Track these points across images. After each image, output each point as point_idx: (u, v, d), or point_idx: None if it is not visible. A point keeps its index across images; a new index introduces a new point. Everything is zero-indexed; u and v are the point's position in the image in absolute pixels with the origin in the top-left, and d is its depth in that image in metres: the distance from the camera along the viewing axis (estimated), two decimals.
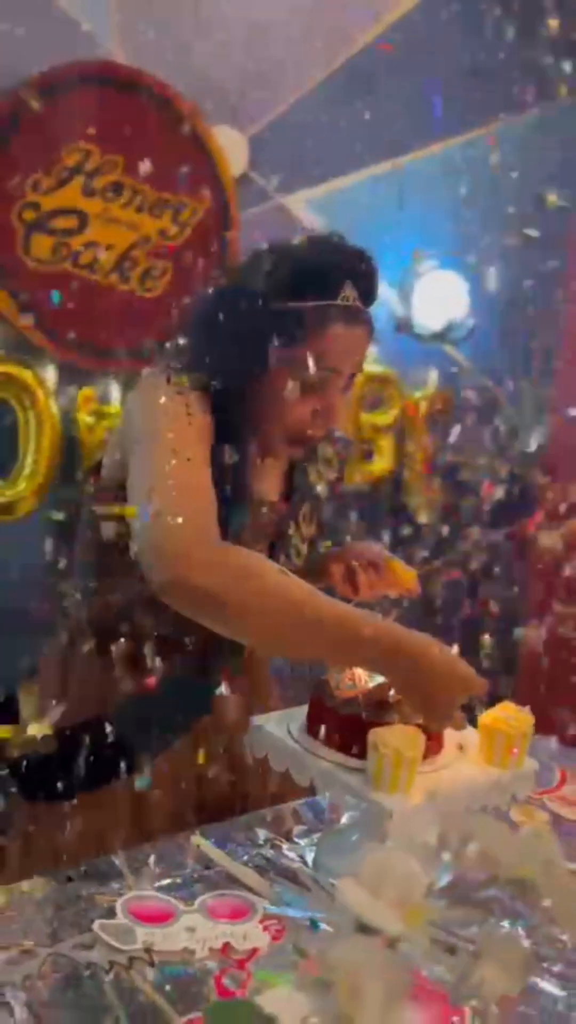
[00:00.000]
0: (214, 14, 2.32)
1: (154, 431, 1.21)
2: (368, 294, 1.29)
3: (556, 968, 1.02)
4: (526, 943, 0.67)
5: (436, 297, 2.64)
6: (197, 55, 2.30)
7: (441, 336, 2.67)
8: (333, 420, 1.30)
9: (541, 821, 1.38)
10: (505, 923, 1.04)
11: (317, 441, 1.36)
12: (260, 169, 2.45)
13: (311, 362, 1.24)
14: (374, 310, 2.63)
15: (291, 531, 1.44)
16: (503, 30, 2.73)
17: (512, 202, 2.85)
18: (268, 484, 1.43)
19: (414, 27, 2.59)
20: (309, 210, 2.53)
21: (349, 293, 1.25)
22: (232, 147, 2.37)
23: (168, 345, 1.39)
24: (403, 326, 2.66)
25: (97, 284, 2.21)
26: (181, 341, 1.34)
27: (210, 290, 1.32)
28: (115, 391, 2.29)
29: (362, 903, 0.63)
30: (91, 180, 2.16)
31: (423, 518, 2.79)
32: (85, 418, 2.24)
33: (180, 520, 1.09)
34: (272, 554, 1.37)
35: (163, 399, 1.24)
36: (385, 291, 2.66)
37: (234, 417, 1.28)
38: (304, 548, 1.46)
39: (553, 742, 1.64)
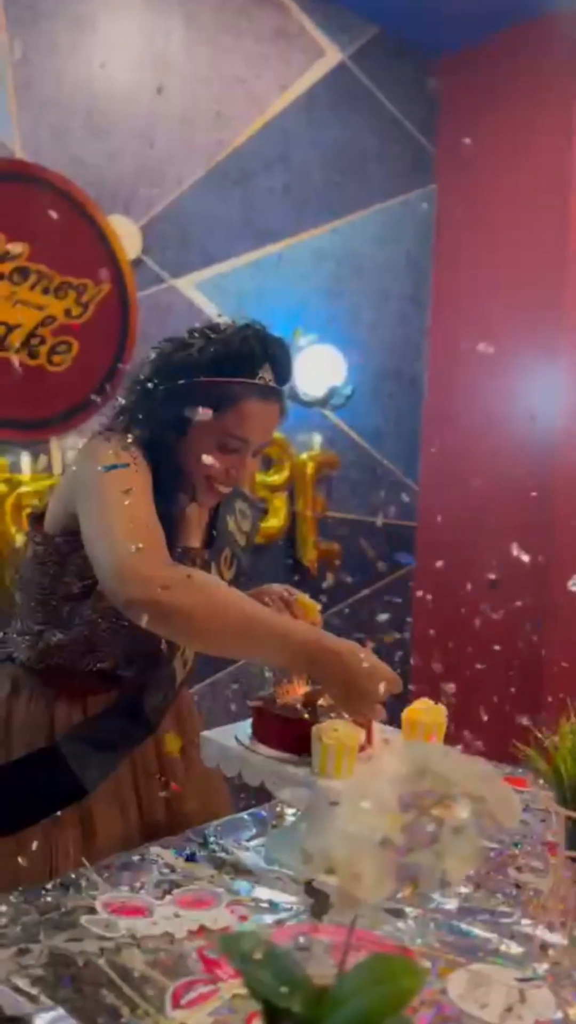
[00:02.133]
0: (104, 120, 2.54)
1: (107, 477, 1.37)
2: (282, 376, 1.48)
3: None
4: (478, 840, 0.85)
5: (316, 368, 2.89)
6: (90, 155, 2.51)
7: (323, 402, 2.92)
8: (242, 479, 1.49)
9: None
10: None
11: (224, 495, 1.54)
12: (152, 255, 2.66)
13: (229, 429, 1.43)
14: None
15: (213, 572, 1.61)
16: (361, 134, 3.09)
17: (377, 282, 3.18)
18: (192, 532, 1.59)
19: (283, 131, 2.90)
20: (199, 292, 2.75)
21: (266, 375, 1.43)
22: (126, 234, 2.57)
23: (112, 403, 1.55)
24: (288, 394, 2.89)
25: (7, 361, 2.35)
26: (122, 402, 1.52)
27: (149, 358, 1.50)
28: (26, 460, 2.40)
29: (351, 814, 0.80)
30: None
31: (315, 570, 2.99)
32: None
33: (141, 546, 1.25)
34: None
35: (111, 452, 1.41)
36: None
37: (164, 471, 1.45)
38: None
39: None
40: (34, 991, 1.02)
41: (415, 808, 0.83)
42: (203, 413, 1.42)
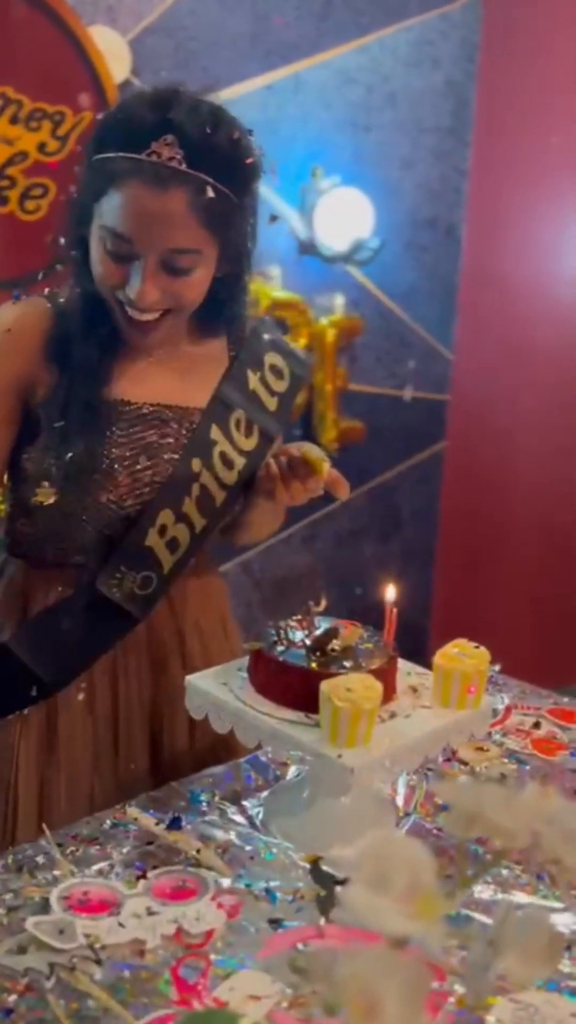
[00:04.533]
0: None
1: None
2: (198, 152, 1.09)
3: None
4: (552, 919, 0.59)
5: (340, 216, 2.50)
6: None
7: (346, 257, 2.54)
8: (135, 296, 1.14)
9: (495, 756, 1.33)
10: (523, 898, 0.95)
11: (145, 326, 1.20)
12: (143, 76, 2.24)
13: (107, 223, 1.12)
14: (274, 231, 2.47)
15: (214, 435, 1.28)
16: None
17: (411, 112, 2.72)
18: (166, 384, 1.28)
19: None
20: None
21: (161, 149, 1.08)
22: (111, 51, 2.15)
23: None
24: (306, 248, 2.52)
25: None
26: None
27: None
28: None
29: (366, 903, 0.52)
30: None
31: (335, 452, 2.68)
32: None
33: None
34: (181, 459, 1.26)
35: None
36: (286, 211, 2.51)
37: (86, 302, 1.20)
38: (240, 460, 1.29)
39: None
40: None
41: (462, 885, 0.56)
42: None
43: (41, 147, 2.04)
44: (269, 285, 2.48)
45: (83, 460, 1.20)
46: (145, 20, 2.23)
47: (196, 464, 1.26)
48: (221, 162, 1.11)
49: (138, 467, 1.24)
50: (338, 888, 0.54)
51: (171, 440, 1.27)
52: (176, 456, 1.26)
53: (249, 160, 1.15)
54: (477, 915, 0.91)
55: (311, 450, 1.24)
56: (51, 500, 1.21)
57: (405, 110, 2.71)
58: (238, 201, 1.16)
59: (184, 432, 1.28)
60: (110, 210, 1.11)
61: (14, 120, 2.00)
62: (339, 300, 2.65)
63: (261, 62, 2.44)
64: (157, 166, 1.09)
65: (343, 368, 2.69)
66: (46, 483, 1.21)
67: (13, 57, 1.98)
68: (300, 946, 0.93)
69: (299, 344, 2.52)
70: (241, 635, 1.49)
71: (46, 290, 1.27)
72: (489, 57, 2.84)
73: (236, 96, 2.40)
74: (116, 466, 1.23)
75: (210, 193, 1.10)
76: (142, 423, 1.25)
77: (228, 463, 1.29)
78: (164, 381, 1.28)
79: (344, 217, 2.52)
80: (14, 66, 1.98)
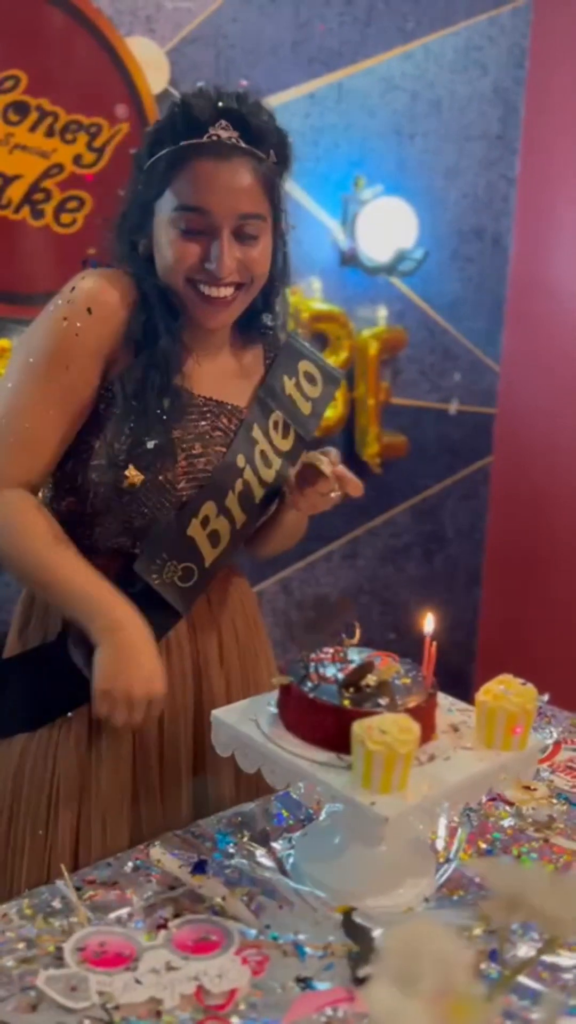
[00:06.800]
0: None
1: (30, 335, 1.23)
2: (250, 133, 1.19)
3: None
4: None
5: (383, 226, 2.43)
6: None
7: (390, 268, 2.46)
8: (220, 265, 1.19)
9: (543, 796, 1.24)
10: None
11: (216, 300, 1.21)
12: (182, 87, 2.20)
13: (182, 202, 1.18)
14: (317, 242, 2.41)
15: (255, 435, 1.31)
16: None
17: (457, 119, 2.65)
18: (215, 381, 1.30)
19: None
20: None
21: (220, 132, 1.18)
22: (150, 61, 2.12)
23: None
24: (348, 259, 2.46)
25: (6, 221, 1.97)
26: None
27: None
28: None
29: (390, 1005, 0.45)
30: None
31: (376, 466, 2.61)
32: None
33: None
34: (228, 454, 1.29)
35: (65, 294, 1.22)
36: (327, 221, 2.45)
37: (149, 294, 1.22)
38: (277, 460, 1.31)
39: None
40: None
41: (503, 983, 0.49)
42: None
43: (77, 159, 2.01)
44: (310, 297, 2.43)
45: (157, 442, 1.22)
46: (184, 30, 2.19)
47: (241, 460, 1.29)
48: (269, 141, 1.21)
49: (194, 452, 1.25)
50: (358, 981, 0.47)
51: (220, 433, 1.29)
52: (224, 449, 1.28)
53: (290, 139, 1.24)
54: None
55: (308, 455, 1.26)
56: (139, 482, 1.22)
57: (451, 117, 2.64)
58: (281, 181, 1.24)
59: (232, 428, 1.30)
60: (181, 191, 1.18)
61: (50, 132, 1.97)
62: (382, 312, 2.58)
63: (303, 70, 2.38)
64: (219, 144, 1.17)
65: (386, 381, 2.61)
66: (131, 465, 1.20)
67: (49, 69, 1.94)
68: (329, 1009, 0.87)
69: (340, 357, 2.46)
70: (276, 652, 1.47)
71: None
72: (539, 62, 2.75)
73: (277, 105, 2.33)
74: (175, 448, 1.24)
75: (273, 158, 1.20)
76: (197, 412, 1.27)
77: (267, 462, 1.32)
78: (214, 377, 1.30)
79: (387, 227, 2.44)
80: (50, 78, 1.95)
